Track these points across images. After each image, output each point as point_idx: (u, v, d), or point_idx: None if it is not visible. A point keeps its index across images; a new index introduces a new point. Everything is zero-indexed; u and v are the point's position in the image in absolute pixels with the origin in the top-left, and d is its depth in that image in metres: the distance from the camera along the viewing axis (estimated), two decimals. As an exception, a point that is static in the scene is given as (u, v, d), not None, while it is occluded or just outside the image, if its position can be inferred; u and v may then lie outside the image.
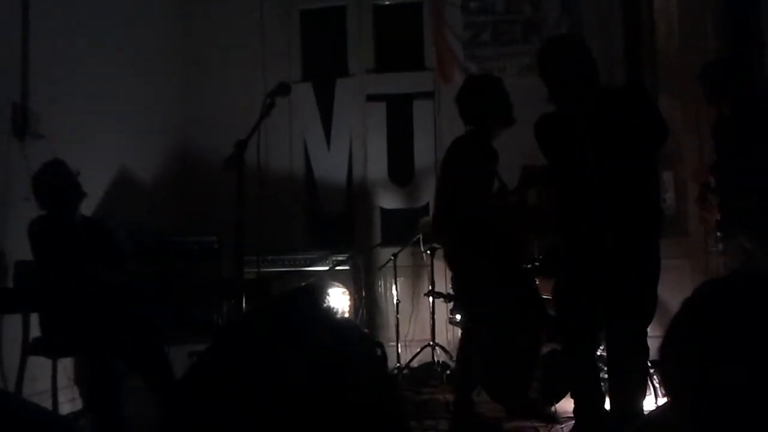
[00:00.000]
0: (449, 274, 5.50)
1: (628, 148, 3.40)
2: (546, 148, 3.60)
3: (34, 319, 4.06)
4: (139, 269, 5.07)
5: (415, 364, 5.42)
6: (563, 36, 3.78)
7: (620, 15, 6.13)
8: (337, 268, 5.62)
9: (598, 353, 4.33)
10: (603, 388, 3.73)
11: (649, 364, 4.39)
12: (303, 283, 5.53)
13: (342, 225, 6.44)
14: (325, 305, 1.14)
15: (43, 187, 4.03)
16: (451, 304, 5.11)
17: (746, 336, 0.91)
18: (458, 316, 5.01)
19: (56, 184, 4.04)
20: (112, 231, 4.32)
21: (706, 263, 5.66)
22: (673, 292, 5.62)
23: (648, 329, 3.54)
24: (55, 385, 4.11)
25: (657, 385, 4.42)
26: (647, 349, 3.54)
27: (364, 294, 5.80)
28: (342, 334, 1.11)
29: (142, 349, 3.98)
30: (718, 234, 4.45)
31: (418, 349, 5.40)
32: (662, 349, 0.99)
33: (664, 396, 4.32)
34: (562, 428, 4.13)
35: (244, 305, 3.42)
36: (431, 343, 5.34)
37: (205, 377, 1.04)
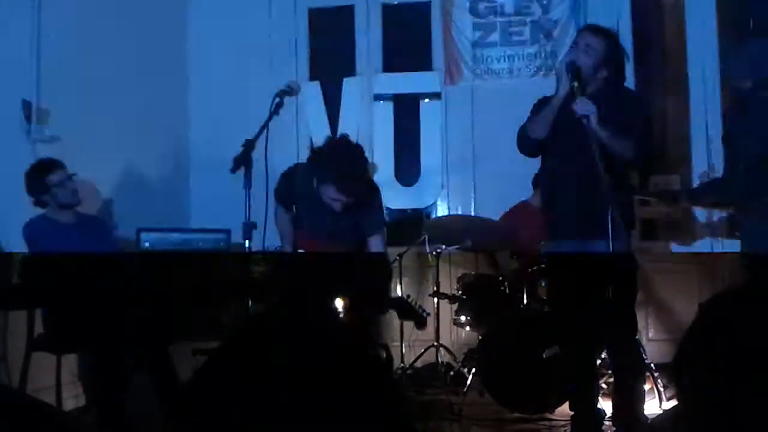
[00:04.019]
0: (454, 275, 5.50)
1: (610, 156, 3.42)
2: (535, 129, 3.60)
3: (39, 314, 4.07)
4: (145, 266, 5.07)
5: (419, 364, 5.41)
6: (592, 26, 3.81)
7: (629, 17, 6.11)
8: (342, 267, 5.60)
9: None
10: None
11: (654, 368, 4.41)
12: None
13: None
14: (330, 308, 1.13)
15: (33, 186, 4.07)
16: (455, 306, 5.10)
17: (762, 345, 0.90)
18: (462, 318, 5.00)
19: (43, 185, 4.07)
20: (106, 229, 4.31)
21: (713, 267, 5.65)
22: (680, 296, 5.67)
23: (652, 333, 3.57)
24: (59, 381, 4.11)
25: (662, 389, 4.41)
26: (639, 353, 3.56)
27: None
28: (347, 337, 1.11)
29: (145, 346, 3.98)
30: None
31: (422, 350, 5.39)
32: (678, 356, 0.98)
33: (669, 400, 4.32)
34: (564, 430, 4.12)
35: (250, 304, 3.41)
36: (435, 343, 5.33)
37: (212, 380, 1.04)
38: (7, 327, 4.25)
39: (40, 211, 4.12)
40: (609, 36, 3.60)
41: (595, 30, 3.67)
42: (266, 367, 1.01)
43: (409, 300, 4.45)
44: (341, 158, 3.85)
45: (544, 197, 3.81)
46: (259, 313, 1.53)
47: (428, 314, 4.65)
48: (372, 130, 6.43)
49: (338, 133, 6.33)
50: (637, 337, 3.71)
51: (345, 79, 6.48)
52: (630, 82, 5.79)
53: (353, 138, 4.11)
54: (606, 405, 3.83)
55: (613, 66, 3.53)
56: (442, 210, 6.29)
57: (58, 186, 4.09)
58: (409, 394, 4.92)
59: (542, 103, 3.65)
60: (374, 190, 4.19)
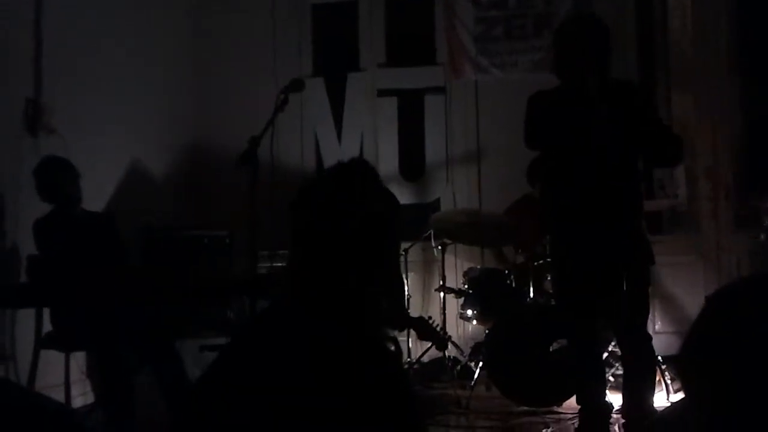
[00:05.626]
0: (460, 269, 5.50)
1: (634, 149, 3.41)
2: (541, 127, 3.58)
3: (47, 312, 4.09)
4: (150, 263, 5.08)
5: (425, 359, 5.42)
6: (587, 15, 3.78)
7: (633, 9, 6.09)
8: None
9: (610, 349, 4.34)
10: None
11: (661, 360, 4.41)
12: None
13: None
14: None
15: (40, 182, 4.10)
16: (461, 300, 5.11)
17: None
18: (469, 312, 5.00)
19: (52, 182, 4.10)
20: (115, 226, 4.34)
21: (719, 260, 5.64)
22: (686, 288, 5.67)
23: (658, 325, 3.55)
24: (68, 378, 4.13)
25: (669, 382, 4.42)
26: (649, 344, 3.54)
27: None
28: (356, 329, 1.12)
29: (153, 343, 3.99)
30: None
31: (429, 345, 5.39)
32: (685, 347, 0.98)
33: (676, 392, 4.32)
34: (572, 423, 4.13)
35: (257, 301, 3.42)
36: (442, 338, 5.33)
37: (220, 377, 1.04)
38: (16, 325, 4.27)
39: (47, 207, 4.14)
40: (598, 26, 3.57)
41: (584, 21, 3.66)
42: (275, 363, 1.01)
43: (431, 321, 4.42)
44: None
45: (549, 187, 3.75)
46: (265, 309, 1.54)
47: (449, 337, 4.62)
48: (376, 125, 6.43)
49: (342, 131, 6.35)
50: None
51: (349, 75, 6.48)
52: (633, 74, 5.84)
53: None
54: (613, 398, 3.83)
55: (603, 57, 3.49)
56: (446, 204, 6.29)
57: (65, 183, 4.11)
58: (417, 388, 4.93)
59: (537, 98, 3.61)
60: None
